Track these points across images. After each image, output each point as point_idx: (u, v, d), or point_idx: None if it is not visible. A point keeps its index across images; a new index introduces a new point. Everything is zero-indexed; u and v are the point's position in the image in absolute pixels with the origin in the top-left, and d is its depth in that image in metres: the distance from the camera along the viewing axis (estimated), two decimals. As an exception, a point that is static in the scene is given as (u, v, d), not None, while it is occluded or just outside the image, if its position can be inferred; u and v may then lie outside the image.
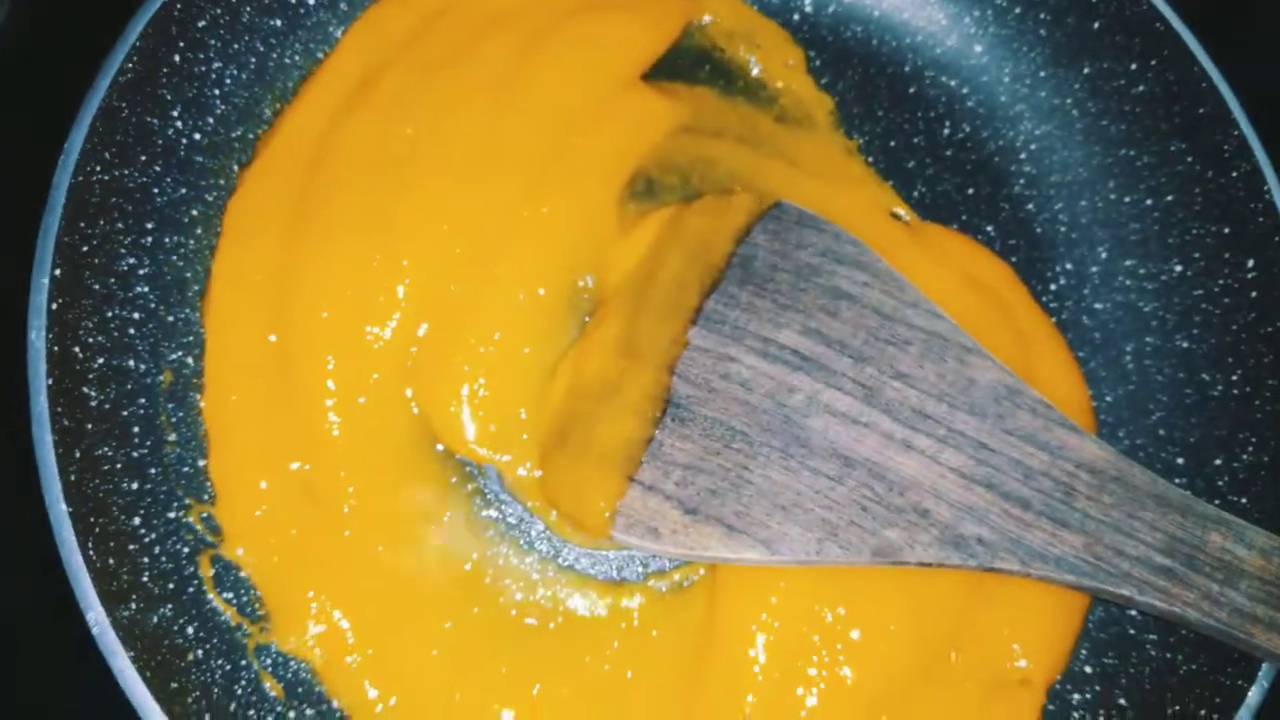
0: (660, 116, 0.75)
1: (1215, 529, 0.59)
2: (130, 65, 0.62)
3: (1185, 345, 0.73)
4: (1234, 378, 0.70)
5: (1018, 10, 0.79)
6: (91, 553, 0.55)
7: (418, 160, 0.69)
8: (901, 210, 0.77)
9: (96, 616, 0.54)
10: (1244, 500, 0.67)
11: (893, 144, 0.79)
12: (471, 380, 0.67)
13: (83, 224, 0.61)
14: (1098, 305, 0.75)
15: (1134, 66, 0.74)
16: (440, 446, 0.67)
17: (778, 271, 0.68)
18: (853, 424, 0.63)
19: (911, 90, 0.80)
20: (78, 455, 0.58)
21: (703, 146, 0.76)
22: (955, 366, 0.64)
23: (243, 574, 0.63)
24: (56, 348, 0.58)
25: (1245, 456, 0.68)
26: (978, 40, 0.81)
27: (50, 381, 0.56)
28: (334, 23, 0.75)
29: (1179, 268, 0.74)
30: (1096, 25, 0.75)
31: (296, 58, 0.74)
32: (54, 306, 0.58)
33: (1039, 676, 0.65)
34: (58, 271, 0.58)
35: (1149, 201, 0.75)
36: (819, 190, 0.75)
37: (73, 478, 0.56)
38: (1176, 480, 0.70)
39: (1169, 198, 0.74)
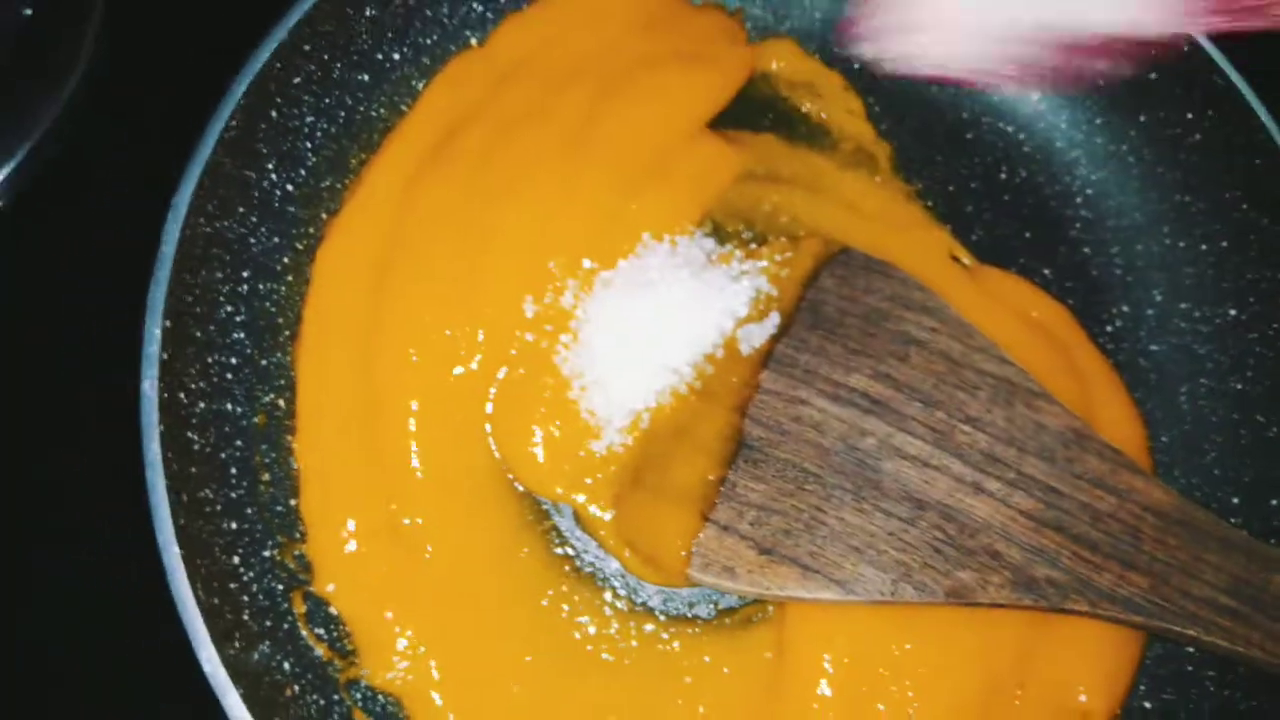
0: (725, 163, 0.78)
1: (1278, 571, 0.61)
2: (234, 123, 0.65)
3: (1239, 387, 0.74)
4: (1288, 419, 0.72)
5: (1074, 60, 0.81)
6: (200, 593, 0.58)
7: (495, 210, 0.71)
8: (961, 254, 0.78)
9: (209, 655, 0.56)
10: (1301, 541, 0.68)
11: (951, 188, 0.81)
12: (548, 422, 0.70)
13: (187, 275, 0.64)
14: (1153, 347, 0.77)
15: (1190, 116, 0.76)
16: (519, 485, 0.69)
17: (847, 316, 0.70)
18: (924, 467, 0.65)
19: (969, 136, 0.82)
20: (184, 499, 0.60)
21: (767, 192, 0.78)
22: (1023, 412, 0.66)
23: (332, 610, 0.66)
24: (166, 394, 0.61)
25: (1301, 498, 0.70)
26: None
27: (162, 428, 0.59)
28: (417, 77, 0.77)
29: (1233, 311, 0.75)
30: (1154, 75, 0.77)
31: (382, 110, 0.76)
32: (164, 356, 0.61)
33: (1099, 710, 0.66)
34: (168, 322, 0.61)
35: (1204, 246, 0.77)
36: (881, 234, 0.77)
37: (181, 521, 0.59)
38: (1233, 520, 0.71)
39: (1223, 243, 0.76)
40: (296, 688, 0.62)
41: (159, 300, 0.61)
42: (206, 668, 0.56)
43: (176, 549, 0.57)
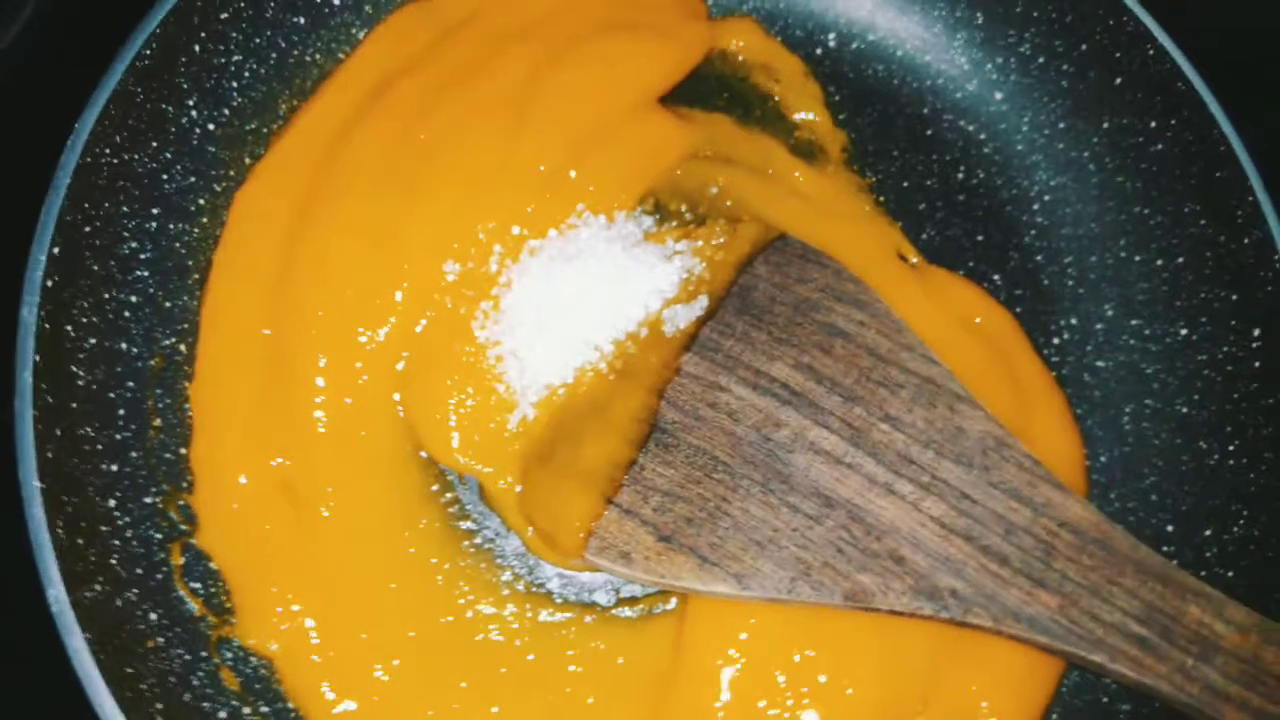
0: (674, 140, 0.75)
1: (1195, 601, 0.58)
2: (149, 52, 0.63)
3: (1185, 410, 0.72)
4: (1231, 448, 0.69)
5: (1041, 60, 0.78)
6: (60, 531, 0.56)
7: (427, 168, 0.69)
8: (909, 252, 0.76)
9: (57, 594, 0.54)
10: (1230, 574, 0.65)
11: (905, 185, 0.78)
12: (460, 390, 0.67)
13: (87, 205, 0.62)
14: (1100, 363, 0.74)
15: (1154, 124, 0.73)
16: (423, 453, 0.67)
17: (776, 304, 0.67)
18: (836, 464, 0.62)
19: (928, 132, 0.80)
20: (58, 433, 0.58)
21: (714, 173, 0.76)
22: (945, 414, 0.63)
23: (212, 565, 0.63)
24: (49, 325, 0.59)
25: (1236, 529, 0.67)
26: (999, 87, 0.80)
27: (38, 358, 0.57)
28: (357, 25, 0.75)
29: (1184, 331, 0.73)
30: (1119, 80, 0.74)
31: (317, 56, 0.74)
32: (49, 284, 0.59)
33: (1009, 738, 0.63)
34: (56, 249, 0.59)
35: (1159, 261, 0.74)
36: (826, 226, 0.74)
37: (50, 455, 0.57)
38: (1164, 548, 0.68)
39: (1179, 259, 0.73)
40: (161, 639, 0.60)
41: (49, 225, 0.59)
42: (53, 607, 0.54)
43: (36, 481, 0.55)
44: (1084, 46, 0.75)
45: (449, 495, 0.67)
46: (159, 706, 0.56)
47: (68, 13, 0.76)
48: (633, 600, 0.66)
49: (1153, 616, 0.57)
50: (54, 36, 0.75)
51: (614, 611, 0.66)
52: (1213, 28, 0.71)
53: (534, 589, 0.66)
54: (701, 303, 0.68)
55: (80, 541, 0.57)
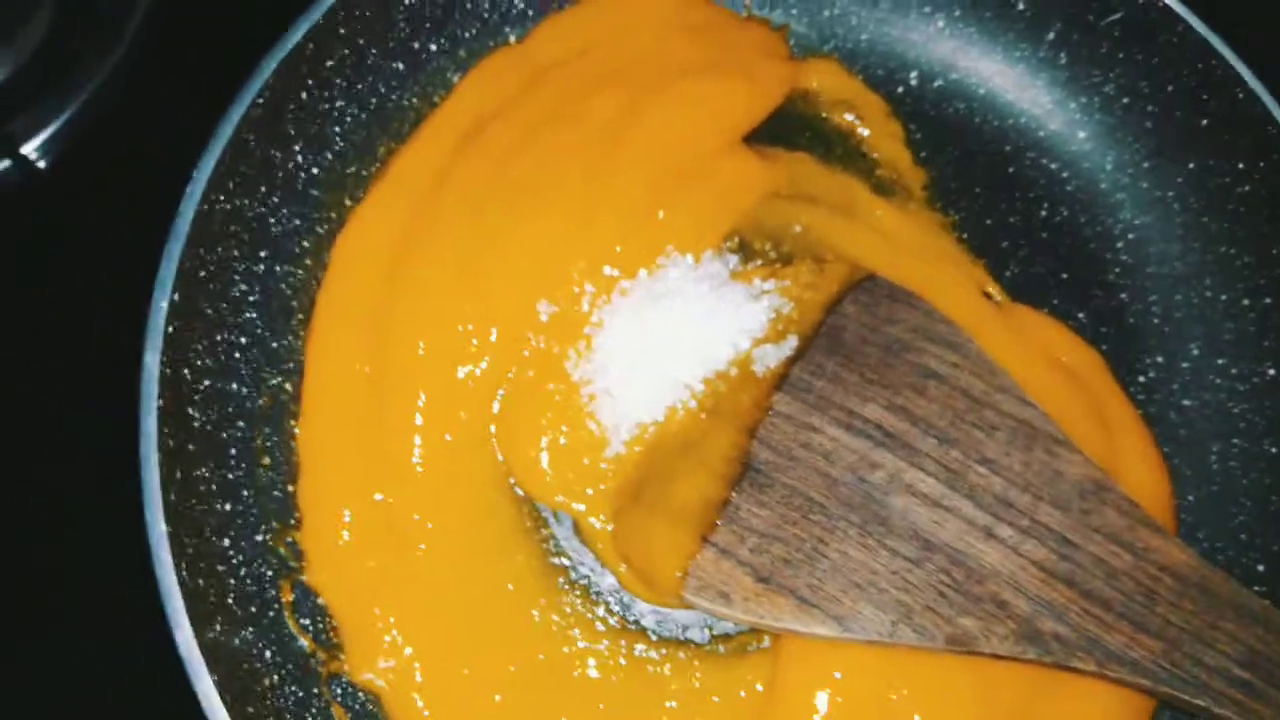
0: (757, 179, 0.76)
1: (1298, 645, 0.58)
2: (261, 100, 0.65)
3: (1274, 450, 0.72)
4: (1320, 489, 0.69)
5: (1125, 100, 0.78)
6: (184, 574, 0.57)
7: (520, 208, 0.71)
8: (993, 290, 0.76)
9: (185, 637, 0.55)
10: (1326, 617, 0.65)
11: (988, 222, 0.78)
12: (554, 428, 0.69)
13: (203, 250, 0.63)
14: (1186, 402, 0.74)
15: (1241, 166, 0.73)
16: (519, 490, 0.68)
17: (866, 344, 0.68)
18: (934, 506, 0.62)
19: (1010, 170, 0.80)
20: (179, 476, 0.60)
21: (798, 212, 0.76)
22: (1042, 457, 0.63)
23: (320, 602, 0.65)
24: (169, 370, 0.60)
25: (1328, 570, 0.67)
26: (1082, 126, 0.80)
27: (161, 403, 0.58)
28: (452, 69, 0.77)
29: (1273, 371, 0.72)
30: (1205, 122, 0.74)
31: (414, 100, 0.76)
32: (170, 330, 0.60)
33: (1100, 776, 0.64)
34: (176, 295, 0.61)
35: (1246, 301, 0.74)
36: (910, 264, 0.75)
37: (172, 497, 0.58)
38: (1256, 588, 0.68)
39: (1267, 300, 0.73)
40: (276, 677, 0.61)
41: (170, 273, 0.60)
42: (182, 650, 0.55)
43: (163, 526, 0.56)
44: (1170, 88, 0.75)
45: (544, 531, 0.68)
46: (279, 744, 0.58)
47: (168, 57, 0.77)
48: (726, 638, 0.67)
49: (1256, 660, 0.58)
50: (154, 81, 0.77)
51: (708, 648, 0.67)
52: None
53: (629, 625, 0.67)
54: (791, 343, 0.69)
55: (201, 583, 0.59)
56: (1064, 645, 0.59)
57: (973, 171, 0.80)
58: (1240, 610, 0.59)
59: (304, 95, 0.69)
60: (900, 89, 0.82)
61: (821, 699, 0.62)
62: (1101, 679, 0.60)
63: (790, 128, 0.80)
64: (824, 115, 0.81)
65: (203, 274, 0.64)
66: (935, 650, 0.60)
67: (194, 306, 0.63)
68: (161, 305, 0.60)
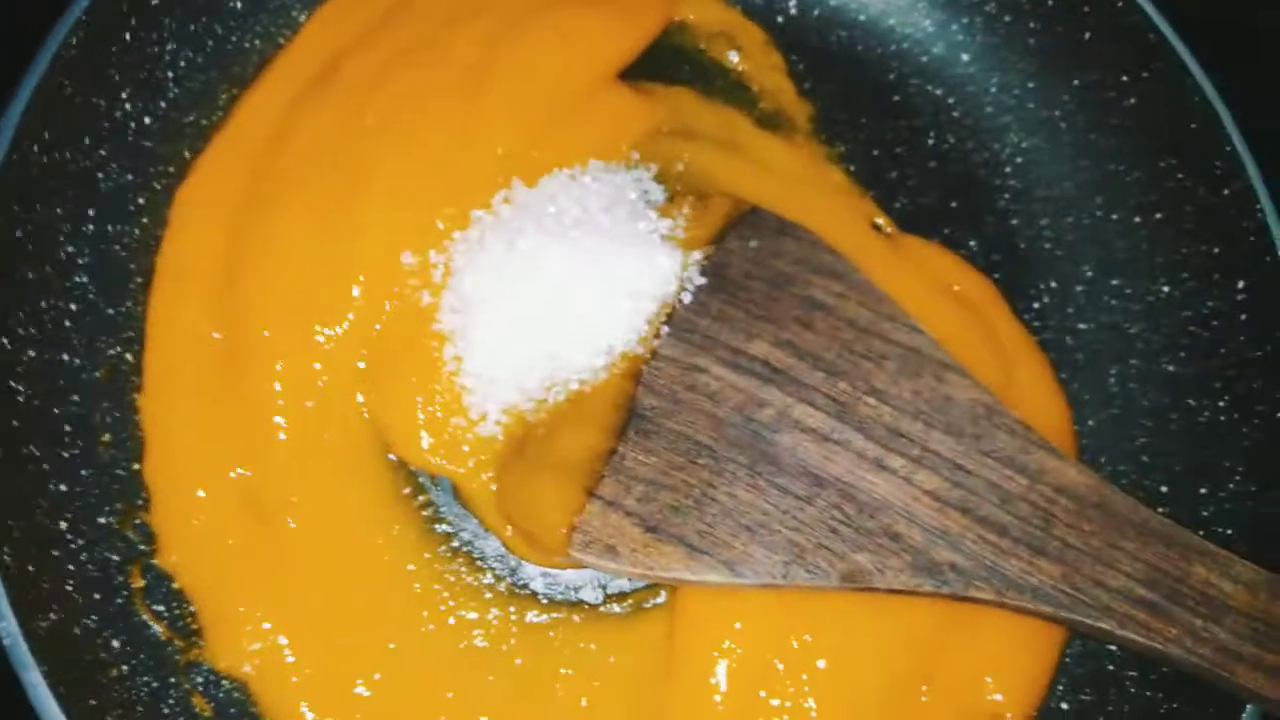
0: (636, 116, 0.73)
1: (1200, 561, 0.57)
2: (75, 40, 0.59)
3: (1171, 369, 0.70)
4: (1221, 404, 0.67)
5: (1007, 19, 0.77)
6: (8, 557, 0.52)
7: (379, 154, 0.66)
8: (882, 221, 0.74)
9: (7, 626, 0.50)
10: (1229, 531, 0.64)
11: (875, 153, 0.76)
12: (426, 386, 0.64)
13: (17, 207, 0.58)
14: (1082, 325, 0.73)
15: (1125, 79, 0.72)
16: (392, 455, 0.64)
17: (751, 280, 0.65)
18: (824, 441, 0.60)
19: (896, 98, 0.78)
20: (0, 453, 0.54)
21: (680, 148, 0.73)
22: (932, 384, 0.61)
23: (176, 586, 0.60)
24: (-20, 338, 0.55)
25: (1231, 485, 0.65)
26: (965, 49, 0.78)
27: (-29, 374, 0.53)
28: (297, 7, 0.72)
29: (1167, 288, 0.71)
30: (1088, 35, 0.73)
31: (256, 42, 0.71)
32: (-23, 294, 0.55)
33: (1013, 711, 0.62)
34: (-16, 257, 0.55)
35: (1137, 219, 0.73)
36: (797, 198, 0.72)
37: (-9, 478, 0.53)
38: (1159, 509, 0.66)
39: (1158, 215, 0.72)
40: (125, 668, 0.57)
41: (-25, 232, 0.55)
42: (4, 640, 0.50)
43: (-24, 507, 0.51)
44: (1050, 2, 0.74)
45: (422, 498, 0.64)
46: (127, 739, 0.53)
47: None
48: (621, 596, 0.64)
49: (1158, 579, 0.56)
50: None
51: (602, 609, 0.64)
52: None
53: (517, 591, 0.63)
54: (673, 283, 0.66)
55: (31, 568, 0.54)
56: (961, 575, 0.56)
57: (858, 101, 0.78)
58: (1141, 528, 0.58)
59: (127, 36, 0.63)
60: (780, 18, 0.79)
61: (722, 650, 0.60)
62: (1002, 608, 0.57)
63: (668, 62, 0.77)
64: (702, 47, 0.78)
65: (19, 234, 0.58)
66: (831, 589, 0.58)
67: (10, 269, 0.58)
68: (-35, 267, 0.54)
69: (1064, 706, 0.64)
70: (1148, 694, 0.63)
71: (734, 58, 0.78)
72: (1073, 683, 0.64)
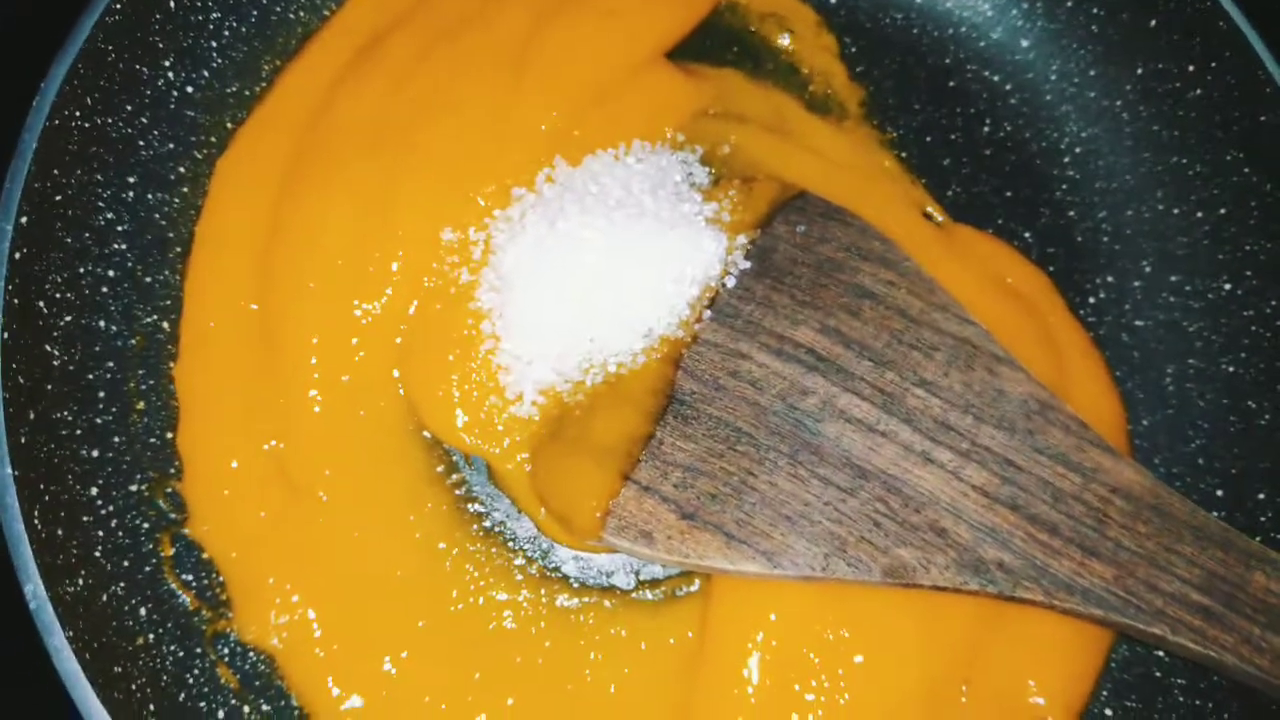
0: (682, 97, 0.72)
1: (1259, 568, 0.54)
2: (119, 6, 0.59)
3: (1231, 369, 0.68)
4: (1282, 406, 0.65)
5: (1069, 4, 0.74)
6: (37, 521, 0.51)
7: (421, 129, 0.65)
8: (933, 210, 0.72)
9: (35, 590, 0.50)
10: (1288, 538, 0.62)
11: (928, 139, 0.74)
12: (463, 364, 0.63)
13: (57, 172, 0.58)
14: (1139, 322, 0.71)
15: (1191, 68, 0.69)
16: (426, 433, 0.63)
17: (798, 265, 0.63)
18: (869, 432, 0.58)
19: (951, 84, 0.76)
20: (32, 416, 0.54)
21: (726, 131, 0.72)
22: (983, 376, 0.59)
23: (205, 556, 0.60)
24: (18, 300, 0.54)
25: (1291, 491, 0.63)
26: (1025, 34, 0.76)
27: (6, 335, 0.53)
28: (343, -22, 0.71)
29: (1228, 286, 0.69)
30: (1153, 22, 0.70)
31: (301, 13, 0.70)
32: (18, 256, 0.54)
33: (1055, 715, 0.60)
34: (24, 219, 0.55)
35: (1200, 214, 0.70)
36: (846, 183, 0.70)
37: (23, 439, 0.52)
38: (1215, 513, 0.64)
39: (1221, 210, 0.69)
40: (151, 636, 0.56)
41: (15, 194, 0.55)
42: (31, 604, 0.50)
43: (8, 468, 0.51)
44: (1115, -14, 0.72)
45: (455, 476, 0.63)
46: (151, 708, 0.53)
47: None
48: (654, 583, 0.63)
49: (1215, 585, 0.54)
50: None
51: (634, 595, 0.62)
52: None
53: (549, 573, 0.62)
54: (718, 267, 0.64)
55: (60, 533, 0.53)
56: (1008, 574, 0.54)
57: (911, 86, 0.76)
58: (1198, 532, 0.55)
59: (171, 3, 0.63)
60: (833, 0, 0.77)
61: (755, 641, 0.58)
62: (1051, 610, 0.55)
63: (716, 42, 0.75)
64: (752, 29, 0.76)
65: (58, 198, 0.58)
66: (872, 585, 0.56)
67: (49, 233, 0.57)
68: (5, 228, 0.54)
69: (1108, 713, 0.62)
70: (1196, 702, 0.61)
71: (784, 40, 0.76)
72: (1117, 688, 0.63)
